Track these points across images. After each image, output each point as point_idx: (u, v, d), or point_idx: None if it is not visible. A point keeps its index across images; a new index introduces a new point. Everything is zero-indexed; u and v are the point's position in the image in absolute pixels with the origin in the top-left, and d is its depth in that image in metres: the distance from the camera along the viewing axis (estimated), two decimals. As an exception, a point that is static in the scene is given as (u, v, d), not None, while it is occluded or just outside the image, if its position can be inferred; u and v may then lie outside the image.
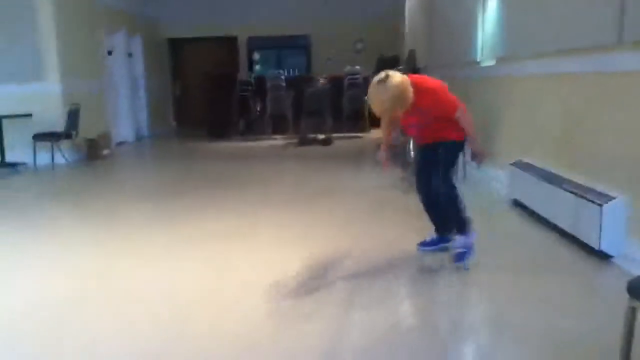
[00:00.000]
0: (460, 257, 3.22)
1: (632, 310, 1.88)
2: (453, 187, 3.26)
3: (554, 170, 4.05)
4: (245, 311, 2.75)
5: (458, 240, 3.25)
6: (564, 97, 4.09)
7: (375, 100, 2.95)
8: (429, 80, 3.16)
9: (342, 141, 9.74)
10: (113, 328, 2.62)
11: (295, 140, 9.84)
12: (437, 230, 3.44)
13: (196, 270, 3.38)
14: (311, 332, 2.50)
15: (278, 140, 10.17)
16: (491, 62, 5.80)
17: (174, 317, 2.71)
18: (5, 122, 7.56)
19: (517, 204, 4.56)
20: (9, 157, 7.61)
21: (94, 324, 2.67)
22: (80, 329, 2.62)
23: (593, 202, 3.31)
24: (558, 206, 3.77)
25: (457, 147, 3.28)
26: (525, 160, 4.59)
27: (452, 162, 3.33)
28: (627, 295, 1.87)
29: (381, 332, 2.47)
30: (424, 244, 3.43)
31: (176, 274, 3.32)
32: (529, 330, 2.46)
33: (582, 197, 3.45)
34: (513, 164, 4.69)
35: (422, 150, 3.41)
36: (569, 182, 3.73)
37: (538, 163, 4.37)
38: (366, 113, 10.37)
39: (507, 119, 5.34)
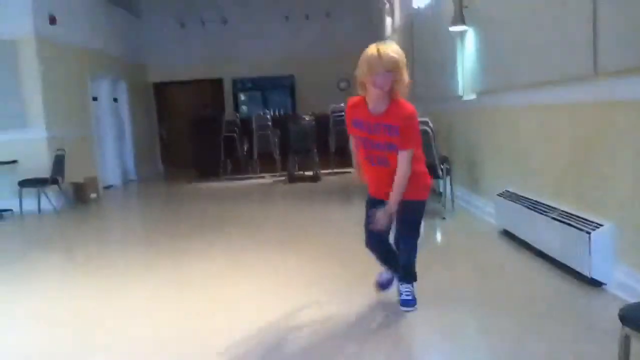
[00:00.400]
0: (408, 303, 3.08)
1: (626, 339, 1.87)
2: (416, 244, 3.13)
3: (540, 199, 4.09)
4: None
5: (404, 287, 3.12)
6: (546, 127, 4.16)
7: (387, 51, 2.75)
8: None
9: (330, 177, 9.77)
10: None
11: (283, 178, 9.86)
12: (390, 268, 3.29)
13: (182, 316, 3.33)
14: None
15: (266, 179, 10.18)
16: (472, 96, 5.91)
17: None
18: (-10, 169, 7.52)
19: (507, 234, 4.57)
20: (-5, 205, 7.54)
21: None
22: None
23: (581, 229, 3.34)
24: (547, 235, 3.79)
25: (420, 205, 3.05)
26: (512, 190, 4.63)
27: (417, 222, 3.10)
28: (620, 324, 1.87)
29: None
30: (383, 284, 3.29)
31: (162, 320, 3.26)
32: (522, 358, 2.44)
33: (570, 225, 3.48)
34: (500, 195, 4.73)
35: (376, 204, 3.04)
36: (556, 210, 3.76)
37: (524, 193, 4.40)
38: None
39: (492, 151, 5.40)
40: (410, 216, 3.01)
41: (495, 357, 2.55)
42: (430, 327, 2.92)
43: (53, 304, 3.69)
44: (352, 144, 3.14)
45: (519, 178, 4.67)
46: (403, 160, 2.83)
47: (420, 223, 3.11)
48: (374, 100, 2.84)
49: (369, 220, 3.03)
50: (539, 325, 2.82)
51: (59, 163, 7.66)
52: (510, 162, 4.91)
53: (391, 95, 2.80)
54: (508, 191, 4.67)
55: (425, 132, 5.63)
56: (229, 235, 5.56)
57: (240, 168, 11.29)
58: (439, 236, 5.23)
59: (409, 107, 2.87)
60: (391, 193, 2.81)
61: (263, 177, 10.40)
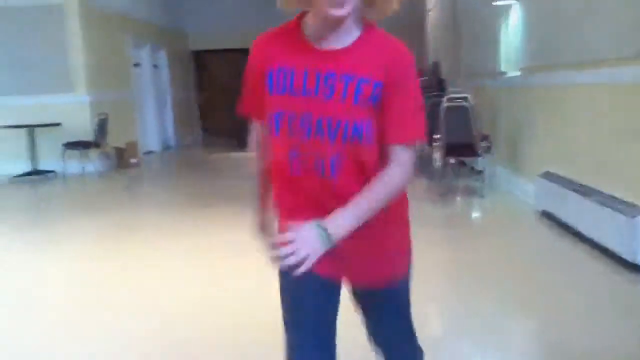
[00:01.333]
0: None
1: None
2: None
3: (583, 182, 4.00)
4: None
5: None
6: (591, 107, 4.03)
7: None
8: None
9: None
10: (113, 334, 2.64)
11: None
12: None
13: (208, 285, 3.40)
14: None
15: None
16: (516, 73, 5.76)
17: (183, 327, 2.73)
18: (36, 131, 7.75)
19: (546, 216, 4.50)
20: (40, 166, 7.77)
21: (94, 330, 2.70)
22: (84, 334, 2.65)
23: (625, 214, 3.25)
24: (589, 218, 3.71)
25: (410, 280, 1.45)
26: (554, 171, 4.53)
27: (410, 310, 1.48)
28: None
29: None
30: None
31: (187, 288, 3.34)
32: (562, 346, 2.41)
33: (613, 208, 3.39)
34: (541, 175, 4.64)
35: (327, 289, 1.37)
36: (600, 193, 3.67)
37: (567, 174, 4.31)
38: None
39: (534, 130, 5.28)
40: (402, 306, 1.47)
41: (530, 337, 2.53)
42: (459, 305, 2.91)
43: (91, 265, 3.82)
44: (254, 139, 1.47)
45: (562, 159, 4.56)
46: (399, 167, 1.26)
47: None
48: (324, 28, 1.26)
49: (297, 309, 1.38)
50: (576, 307, 2.79)
51: (101, 127, 7.83)
52: (553, 142, 4.79)
53: (361, 20, 1.29)
54: (549, 172, 4.58)
55: (464, 108, 5.55)
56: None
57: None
58: (475, 214, 5.18)
59: (401, 43, 1.31)
60: (354, 204, 1.22)
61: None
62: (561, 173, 4.40)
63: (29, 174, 7.63)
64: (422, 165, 7.71)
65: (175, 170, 9.39)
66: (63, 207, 5.91)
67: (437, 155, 6.20)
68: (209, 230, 4.59)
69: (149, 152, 10.36)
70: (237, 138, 11.28)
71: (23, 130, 7.69)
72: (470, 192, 5.81)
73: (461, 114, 5.42)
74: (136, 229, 4.76)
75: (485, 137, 5.79)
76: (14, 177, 7.47)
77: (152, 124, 10.83)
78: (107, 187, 7.17)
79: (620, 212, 3.31)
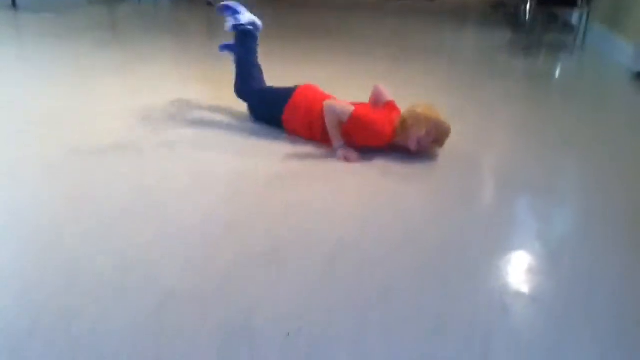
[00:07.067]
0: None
1: None
2: None
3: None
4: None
5: None
6: None
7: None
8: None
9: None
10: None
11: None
12: None
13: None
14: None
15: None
16: None
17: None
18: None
19: (642, 79, 4.10)
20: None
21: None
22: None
23: None
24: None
25: None
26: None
27: None
28: None
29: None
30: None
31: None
32: (634, 208, 2.27)
33: None
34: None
35: None
36: None
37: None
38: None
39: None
40: None
41: (602, 198, 2.39)
42: (531, 159, 2.76)
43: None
44: None
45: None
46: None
47: None
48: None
49: None
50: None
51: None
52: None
53: None
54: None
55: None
56: (325, 46, 5.38)
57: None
58: (561, 71, 4.79)
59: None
60: None
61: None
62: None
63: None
64: (508, 16, 7.12)
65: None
66: (142, 29, 5.85)
67: (528, 5, 5.65)
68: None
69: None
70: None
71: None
72: (560, 48, 5.34)
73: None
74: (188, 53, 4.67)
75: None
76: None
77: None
78: (183, 15, 7.03)
79: None
